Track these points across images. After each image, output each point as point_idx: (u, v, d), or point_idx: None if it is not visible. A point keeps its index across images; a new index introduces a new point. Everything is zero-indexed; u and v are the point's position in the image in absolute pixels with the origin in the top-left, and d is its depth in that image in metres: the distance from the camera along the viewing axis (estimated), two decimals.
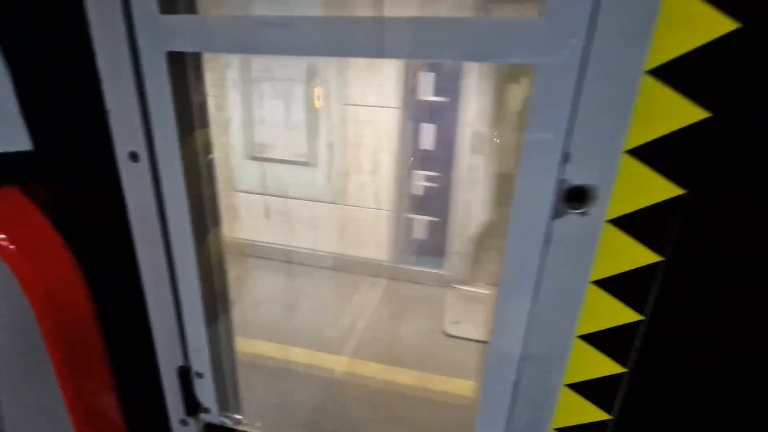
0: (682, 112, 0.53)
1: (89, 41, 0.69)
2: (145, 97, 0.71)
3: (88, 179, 0.83)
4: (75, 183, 0.84)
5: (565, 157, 0.55)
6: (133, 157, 0.75)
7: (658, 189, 0.56)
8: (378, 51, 0.55)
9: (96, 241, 0.85)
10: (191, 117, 0.77)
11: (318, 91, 2.85)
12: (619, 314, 0.64)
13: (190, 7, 0.71)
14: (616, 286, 0.62)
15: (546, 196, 0.57)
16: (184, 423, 0.97)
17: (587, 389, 0.70)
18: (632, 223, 0.59)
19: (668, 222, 0.57)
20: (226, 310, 0.95)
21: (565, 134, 0.54)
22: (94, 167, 0.80)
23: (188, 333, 0.88)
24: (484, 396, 0.71)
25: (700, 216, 0.56)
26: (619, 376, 0.67)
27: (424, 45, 0.54)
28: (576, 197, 0.56)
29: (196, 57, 0.76)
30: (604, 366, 0.68)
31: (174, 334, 0.88)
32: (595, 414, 0.71)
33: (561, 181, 0.56)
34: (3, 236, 0.70)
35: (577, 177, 0.55)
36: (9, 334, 0.80)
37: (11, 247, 0.71)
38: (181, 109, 0.73)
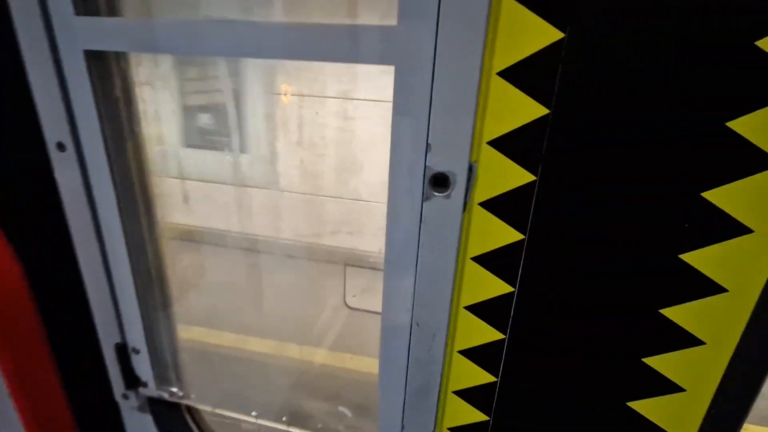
0: (527, 109, 0.61)
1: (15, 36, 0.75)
2: (67, 91, 0.77)
3: (22, 168, 0.88)
4: (10, 172, 0.90)
5: (428, 148, 0.63)
6: (60, 146, 0.80)
7: (516, 175, 0.65)
8: (256, 52, 0.62)
9: (32, 226, 0.90)
10: (116, 109, 0.83)
11: (286, 86, 2.91)
12: (495, 286, 0.73)
13: (112, 10, 0.77)
14: (490, 261, 0.71)
15: (416, 181, 0.65)
16: (125, 397, 1.04)
17: (475, 355, 0.79)
18: (497, 206, 0.67)
19: (525, 204, 0.66)
20: (163, 289, 1.02)
21: (427, 127, 0.62)
22: (26, 157, 0.85)
23: (122, 311, 0.94)
24: (383, 361, 0.80)
25: (549, 199, 0.65)
26: (501, 341, 0.76)
27: (301, 48, 0.62)
28: (440, 183, 0.64)
29: (120, 54, 0.82)
30: (488, 333, 0.77)
31: (110, 312, 0.94)
32: (483, 377, 0.80)
33: (426, 168, 0.64)
34: None
35: (438, 165, 0.63)
36: None
37: None
38: (104, 102, 0.79)
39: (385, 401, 0.82)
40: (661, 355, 0.68)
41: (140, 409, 1.09)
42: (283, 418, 0.94)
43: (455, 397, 0.83)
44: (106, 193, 0.83)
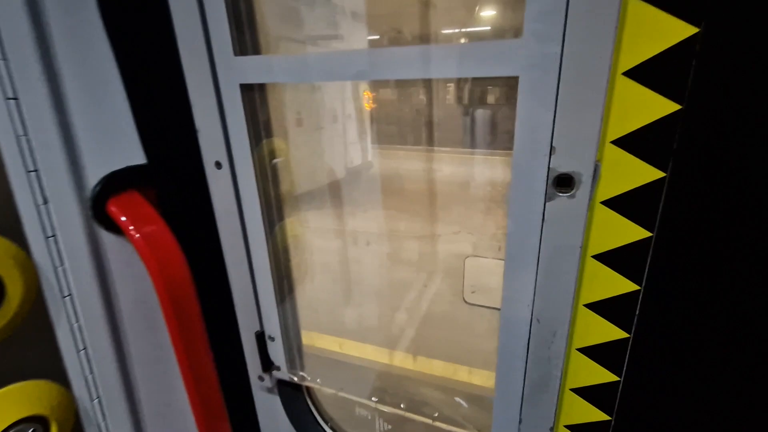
0: (655, 106, 0.62)
1: (183, 77, 0.92)
2: (225, 118, 0.92)
3: (186, 183, 1.07)
4: (176, 187, 1.09)
5: (552, 150, 0.66)
6: (218, 165, 0.97)
7: (642, 172, 0.65)
8: (401, 73, 0.70)
9: (193, 232, 1.09)
10: (260, 131, 0.98)
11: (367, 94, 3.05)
12: (619, 284, 0.73)
13: (257, 50, 0.92)
14: (614, 259, 0.72)
15: (539, 183, 0.68)
16: (261, 378, 1.20)
17: (595, 353, 0.80)
18: (622, 204, 0.68)
19: (653, 201, 0.66)
20: (291, 287, 1.16)
21: (550, 132, 0.65)
22: (189, 174, 1.04)
23: (262, 305, 1.09)
24: (501, 354, 0.84)
25: (680, 196, 0.64)
26: (624, 341, 0.76)
27: (433, 66, 0.69)
28: (564, 183, 0.67)
29: (262, 85, 0.96)
30: (609, 331, 0.77)
31: (252, 305, 1.10)
32: (604, 376, 0.81)
33: (550, 170, 0.67)
34: (132, 228, 0.95)
35: (562, 166, 0.66)
36: (135, 302, 1.07)
37: (137, 236, 0.96)
38: (252, 126, 0.94)
39: (502, 394, 0.86)
40: None
41: (270, 390, 1.24)
42: (401, 405, 1.01)
43: (573, 394, 0.84)
44: (254, 205, 0.98)
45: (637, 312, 0.73)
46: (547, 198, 0.69)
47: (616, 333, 0.76)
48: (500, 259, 0.77)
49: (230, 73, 0.87)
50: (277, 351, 1.14)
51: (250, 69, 0.85)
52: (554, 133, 0.65)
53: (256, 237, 1.01)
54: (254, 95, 0.94)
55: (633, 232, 0.69)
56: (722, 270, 0.65)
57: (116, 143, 0.93)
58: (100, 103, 0.88)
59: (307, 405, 1.27)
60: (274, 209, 1.07)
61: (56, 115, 0.83)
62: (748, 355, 0.68)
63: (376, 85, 1.29)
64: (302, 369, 1.22)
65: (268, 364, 1.16)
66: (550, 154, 0.66)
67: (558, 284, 0.73)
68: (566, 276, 0.72)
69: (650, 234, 0.68)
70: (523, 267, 0.75)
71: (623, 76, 0.62)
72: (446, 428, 0.97)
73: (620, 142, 0.65)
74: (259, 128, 0.97)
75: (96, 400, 1.02)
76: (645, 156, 0.64)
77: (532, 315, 0.77)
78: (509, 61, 0.64)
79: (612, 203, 0.69)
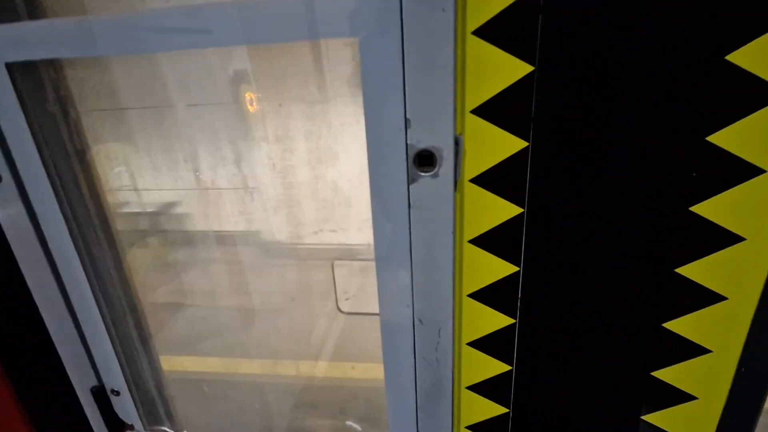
0: (510, 68, 0.56)
1: None
2: None
3: None
4: None
5: (407, 123, 0.56)
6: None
7: (506, 143, 0.59)
8: (204, 41, 0.55)
9: None
10: (58, 132, 0.75)
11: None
12: (499, 268, 0.67)
13: (33, 12, 0.69)
14: (490, 241, 0.65)
15: (399, 162, 0.59)
16: None
17: (486, 344, 0.73)
18: (491, 180, 0.61)
19: (520, 174, 0.60)
20: (140, 323, 0.93)
21: (403, 101, 0.55)
22: None
23: (94, 352, 0.85)
24: (387, 363, 0.73)
25: (545, 165, 0.59)
26: (511, 327, 0.71)
27: (255, 29, 0.55)
28: (425, 161, 0.58)
29: (55, 66, 0.73)
30: (497, 320, 0.71)
31: (80, 354, 0.85)
32: (497, 366, 0.75)
33: (408, 147, 0.58)
34: None
35: (421, 141, 0.57)
36: None
37: None
38: (40, 126, 0.70)
39: (394, 408, 0.76)
40: (669, 367, 0.66)
41: None
42: None
43: (470, 392, 0.77)
44: (55, 227, 0.75)
45: (520, 295, 0.68)
46: (410, 180, 0.59)
47: (502, 320, 0.71)
48: (370, 260, 0.67)
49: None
50: (125, 406, 0.90)
51: (18, 41, 0.63)
52: (407, 103, 0.55)
53: (69, 269, 0.78)
54: (42, 80, 0.71)
55: (506, 210, 0.63)
56: (596, 241, 0.62)
57: None
58: None
59: None
60: (99, 231, 0.84)
61: None
62: (628, 327, 0.66)
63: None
64: (169, 417, 0.99)
65: (117, 425, 0.92)
66: (406, 128, 0.57)
67: (436, 278, 0.65)
68: (444, 267, 0.64)
69: (522, 210, 0.63)
70: (395, 263, 0.65)
71: (473, 36, 0.55)
72: None
73: (480, 111, 0.58)
74: (57, 127, 0.74)
75: None
76: (506, 125, 0.58)
77: (413, 316, 0.68)
78: (348, 20, 0.53)
79: (481, 180, 0.62)
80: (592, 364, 0.70)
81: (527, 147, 0.59)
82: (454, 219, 0.61)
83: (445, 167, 0.58)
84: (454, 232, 0.62)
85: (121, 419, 0.92)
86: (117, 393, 0.88)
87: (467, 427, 0.81)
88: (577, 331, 0.69)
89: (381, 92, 0.55)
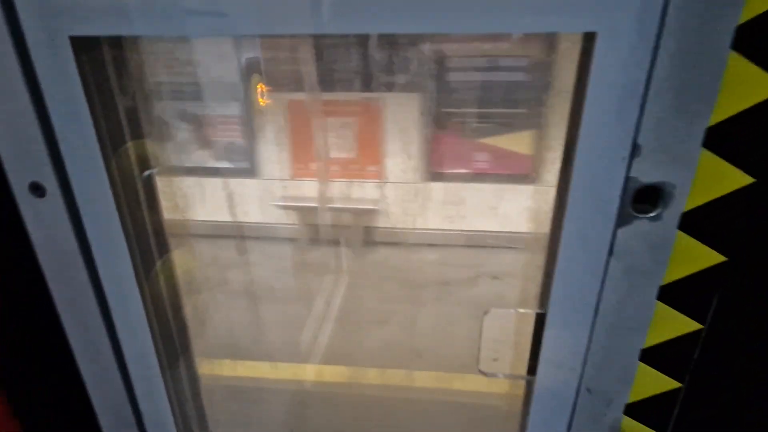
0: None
1: None
2: (44, 103, 0.50)
3: None
4: None
5: (635, 151, 0.43)
6: (36, 189, 0.53)
7: (729, 179, 0.46)
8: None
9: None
10: (119, 124, 0.58)
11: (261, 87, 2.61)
12: (679, 325, 0.55)
13: None
14: (680, 294, 0.53)
15: (611, 200, 0.45)
16: None
17: (643, 411, 0.61)
18: (701, 221, 0.49)
19: (736, 216, 0.48)
20: (188, 356, 0.76)
21: (635, 122, 0.42)
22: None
23: (140, 401, 0.68)
24: None
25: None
26: (676, 391, 0.59)
27: (461, 17, 0.40)
28: (647, 199, 0.45)
29: (117, 44, 0.56)
30: (662, 383, 0.58)
31: (122, 404, 0.68)
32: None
33: (629, 180, 0.44)
34: None
35: (649, 174, 0.44)
36: None
37: None
38: (102, 116, 0.53)
39: None
40: None
41: None
42: None
43: None
44: (110, 245, 0.57)
45: (695, 356, 0.56)
46: (620, 221, 0.46)
47: (668, 384, 0.58)
48: (529, 310, 0.53)
49: (48, 16, 0.46)
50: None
51: (90, 10, 0.45)
52: (641, 125, 0.42)
53: (121, 294, 0.60)
54: (104, 62, 0.54)
55: (707, 257, 0.50)
56: None
57: None
58: None
59: None
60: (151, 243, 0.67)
61: None
62: None
63: None
64: None
65: None
66: (632, 157, 0.43)
67: (624, 341, 0.52)
68: (634, 329, 0.51)
69: (725, 258, 0.50)
70: (572, 320, 0.51)
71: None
72: None
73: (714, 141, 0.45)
74: (118, 118, 0.56)
75: None
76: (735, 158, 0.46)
77: (580, 384, 0.55)
78: (582, 10, 0.39)
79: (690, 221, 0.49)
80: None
81: (752, 184, 0.46)
82: (664, 272, 0.48)
83: (673, 208, 0.45)
84: (659, 288, 0.49)
85: None
86: None
87: None
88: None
89: (610, 105, 0.41)
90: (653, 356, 0.56)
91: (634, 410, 0.60)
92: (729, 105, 0.43)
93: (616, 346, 0.52)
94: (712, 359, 0.56)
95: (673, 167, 0.43)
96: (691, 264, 0.50)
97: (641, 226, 0.46)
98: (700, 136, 0.42)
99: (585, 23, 0.39)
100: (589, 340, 0.52)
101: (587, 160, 0.44)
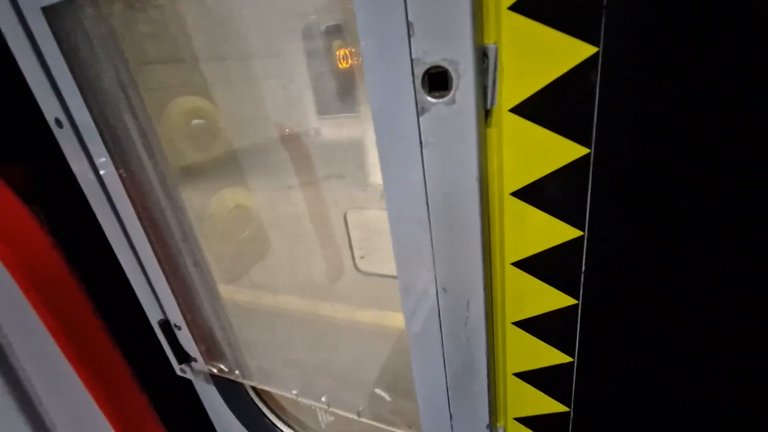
0: None
1: None
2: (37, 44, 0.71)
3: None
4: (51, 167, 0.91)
5: (410, 29, 0.42)
6: (57, 123, 0.77)
7: (569, 54, 0.41)
8: None
9: (61, 211, 0.91)
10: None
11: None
12: (555, 232, 0.50)
13: None
14: (542, 196, 0.49)
15: (402, 86, 0.45)
16: (183, 371, 1.04)
17: (539, 328, 0.58)
18: (539, 108, 0.44)
19: (584, 101, 0.42)
20: (197, 260, 0.98)
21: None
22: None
23: (157, 288, 0.92)
24: (412, 334, 0.63)
25: (619, 82, 0.40)
26: (572, 309, 0.54)
27: None
28: (438, 83, 0.43)
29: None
30: (551, 299, 0.55)
31: (147, 290, 0.93)
32: (553, 356, 0.59)
33: (414, 63, 0.43)
34: None
35: (428, 54, 0.42)
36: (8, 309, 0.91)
37: None
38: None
39: (422, 383, 0.66)
40: None
41: (206, 380, 1.10)
42: (323, 398, 0.84)
43: (518, 380, 0.63)
44: (109, 173, 0.79)
45: (583, 269, 0.51)
46: (420, 109, 0.45)
47: (559, 299, 0.54)
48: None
49: None
50: (187, 340, 0.97)
51: None
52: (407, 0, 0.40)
53: (128, 212, 0.82)
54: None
55: (566, 152, 0.45)
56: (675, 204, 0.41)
57: None
58: None
59: (247, 395, 1.12)
60: (165, 179, 0.87)
61: None
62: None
63: None
64: (223, 357, 1.05)
65: (182, 356, 1.00)
66: (409, 36, 0.42)
67: (461, 239, 0.51)
68: (468, 224, 0.49)
69: (587, 150, 0.44)
70: (409, 216, 0.52)
71: None
72: (374, 424, 0.79)
73: (522, 7, 0.40)
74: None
75: None
76: (568, 27, 0.39)
77: (436, 283, 0.56)
78: None
79: (525, 109, 0.44)
80: (681, 361, 0.50)
81: (596, 54, 0.40)
82: (479, 161, 0.45)
83: (464, 89, 0.42)
84: (480, 180, 0.46)
85: (186, 352, 1.00)
86: (179, 328, 0.96)
87: (517, 419, 0.67)
88: (657, 321, 0.49)
89: None
90: (534, 267, 0.53)
91: (527, 326, 0.58)
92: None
93: (456, 243, 0.51)
94: (600, 272, 0.50)
95: (448, 44, 0.40)
96: (552, 159, 0.46)
97: (439, 110, 0.44)
98: (467, 6, 0.38)
99: None
100: (431, 238, 0.52)
101: (373, 41, 0.44)
